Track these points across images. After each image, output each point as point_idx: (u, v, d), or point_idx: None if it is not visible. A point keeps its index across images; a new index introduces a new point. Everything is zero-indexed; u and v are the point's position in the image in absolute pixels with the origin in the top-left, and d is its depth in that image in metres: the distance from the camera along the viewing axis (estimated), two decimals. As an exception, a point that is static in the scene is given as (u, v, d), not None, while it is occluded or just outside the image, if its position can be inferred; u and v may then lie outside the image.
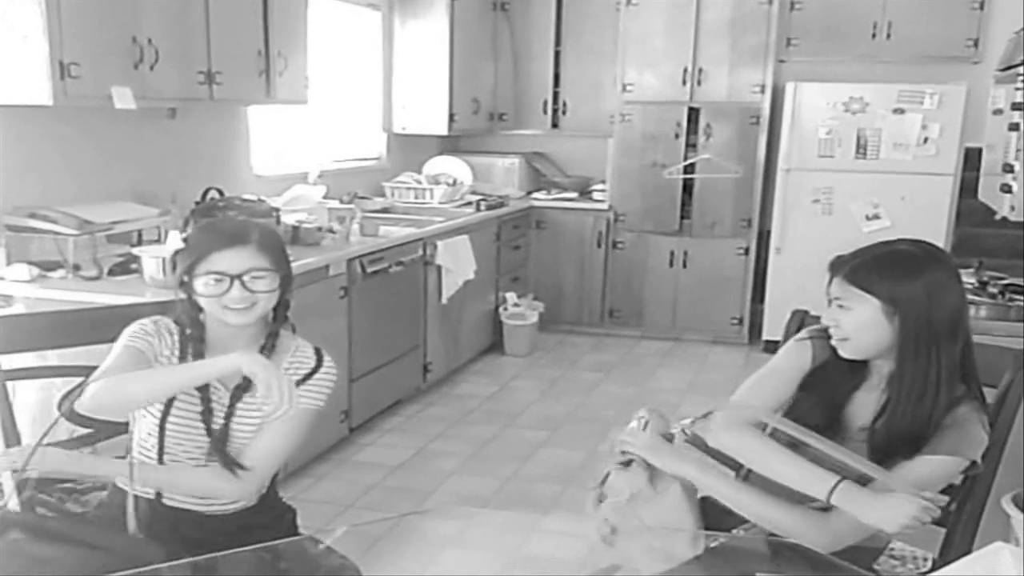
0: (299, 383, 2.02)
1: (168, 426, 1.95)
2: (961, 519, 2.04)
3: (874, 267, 1.83)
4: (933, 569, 1.93)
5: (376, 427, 4.65)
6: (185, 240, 2.00)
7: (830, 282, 1.89)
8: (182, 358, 1.97)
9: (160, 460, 1.96)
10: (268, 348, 2.02)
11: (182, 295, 1.98)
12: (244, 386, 1.98)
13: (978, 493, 2.03)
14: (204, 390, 1.96)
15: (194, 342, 1.98)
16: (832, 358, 1.92)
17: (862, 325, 1.83)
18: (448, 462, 4.27)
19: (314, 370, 2.07)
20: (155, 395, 1.89)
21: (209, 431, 1.96)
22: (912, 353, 1.81)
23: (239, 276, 1.91)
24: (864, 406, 1.92)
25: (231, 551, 1.79)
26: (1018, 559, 1.39)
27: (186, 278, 1.94)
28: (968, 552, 1.86)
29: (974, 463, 1.84)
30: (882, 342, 1.84)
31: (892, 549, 2.03)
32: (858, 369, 1.92)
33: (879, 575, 1.98)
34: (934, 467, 1.80)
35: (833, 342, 1.90)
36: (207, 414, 1.96)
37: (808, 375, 1.97)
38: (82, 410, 1.81)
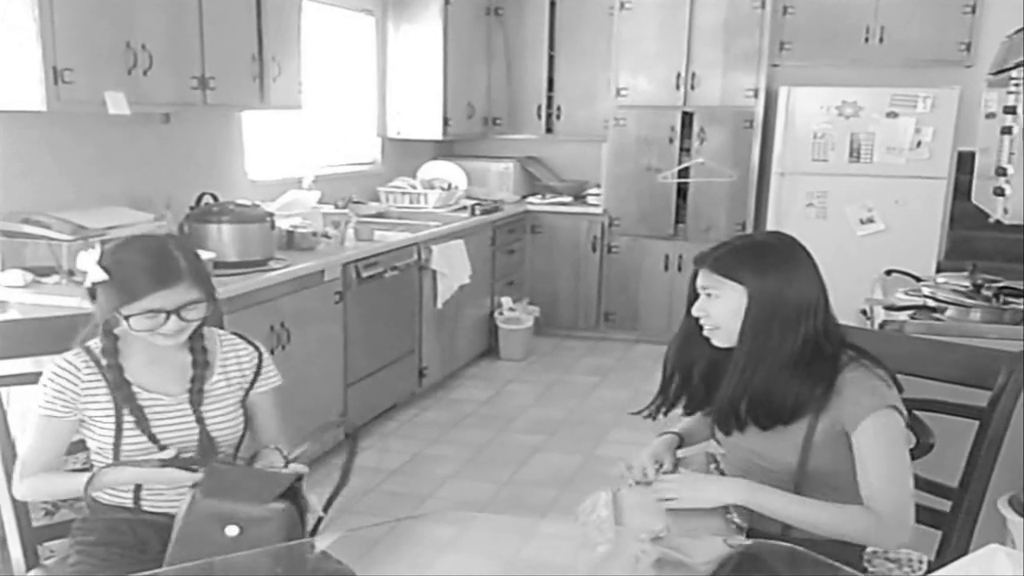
0: (256, 377, 2.12)
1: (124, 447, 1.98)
2: (957, 521, 2.04)
3: (738, 255, 1.90)
4: (929, 571, 1.93)
5: (372, 432, 4.65)
6: (107, 271, 1.89)
7: (695, 275, 1.95)
8: (110, 386, 1.96)
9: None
10: (199, 359, 2.05)
11: (103, 326, 1.96)
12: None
13: (974, 495, 2.03)
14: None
15: (110, 364, 1.97)
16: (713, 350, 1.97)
17: (730, 312, 1.89)
18: (444, 466, 4.27)
19: (260, 358, 2.15)
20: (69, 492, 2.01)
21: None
22: (750, 332, 1.87)
23: (175, 311, 1.91)
24: None
25: (226, 555, 1.79)
26: (1015, 561, 1.39)
27: (114, 313, 1.91)
28: (964, 554, 1.86)
29: (901, 414, 1.85)
30: None
31: (887, 551, 2.03)
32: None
33: (874, 577, 1.98)
34: (874, 427, 1.81)
35: (705, 332, 1.94)
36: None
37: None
38: (18, 496, 1.98)
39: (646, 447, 2.10)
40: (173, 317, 1.91)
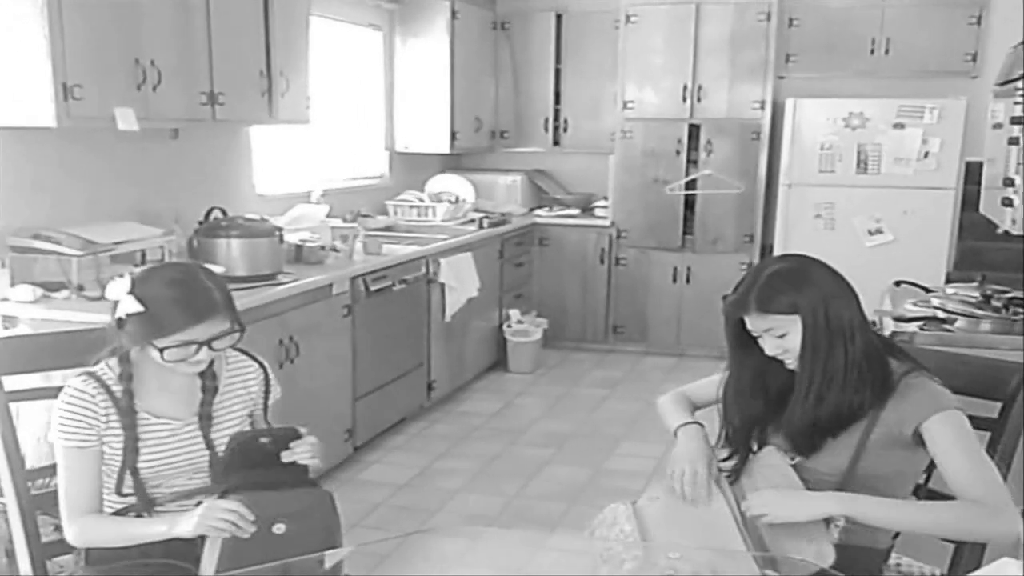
0: (266, 394, 2.14)
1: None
2: (969, 534, 2.03)
3: (773, 287, 1.89)
4: (942, 584, 1.92)
5: (380, 445, 4.64)
6: (142, 302, 1.89)
7: (738, 322, 1.93)
8: (119, 412, 1.95)
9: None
10: (208, 383, 2.04)
11: (128, 351, 1.96)
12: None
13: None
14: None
15: (125, 389, 1.96)
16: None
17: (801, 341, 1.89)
18: (453, 480, 4.26)
19: (265, 374, 2.16)
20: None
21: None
22: (810, 353, 1.87)
23: (207, 342, 1.92)
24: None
25: (236, 571, 1.79)
26: (1027, 574, 1.38)
27: (146, 344, 1.91)
28: (977, 567, 1.85)
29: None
30: None
31: (900, 564, 2.02)
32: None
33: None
34: (948, 424, 1.80)
35: (790, 366, 1.93)
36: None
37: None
38: (73, 542, 1.96)
39: (685, 450, 2.02)
40: (204, 348, 1.92)
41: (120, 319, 1.92)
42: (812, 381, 1.87)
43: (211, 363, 2.03)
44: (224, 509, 1.82)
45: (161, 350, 1.89)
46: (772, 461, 1.95)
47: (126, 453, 1.94)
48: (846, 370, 1.86)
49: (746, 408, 2.03)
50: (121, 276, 1.95)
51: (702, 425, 2.09)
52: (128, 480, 1.95)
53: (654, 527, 1.90)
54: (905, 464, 1.90)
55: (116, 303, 1.93)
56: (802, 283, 1.88)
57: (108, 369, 1.97)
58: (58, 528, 2.21)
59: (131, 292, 1.90)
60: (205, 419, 2.02)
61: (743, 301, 1.91)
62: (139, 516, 1.98)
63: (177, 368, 1.94)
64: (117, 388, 1.96)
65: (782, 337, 1.89)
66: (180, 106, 3.59)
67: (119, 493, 1.97)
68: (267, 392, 2.16)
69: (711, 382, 2.17)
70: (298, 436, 1.95)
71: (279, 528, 1.84)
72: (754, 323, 1.91)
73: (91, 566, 1.99)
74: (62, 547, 2.13)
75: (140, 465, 1.95)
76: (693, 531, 1.87)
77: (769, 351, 1.92)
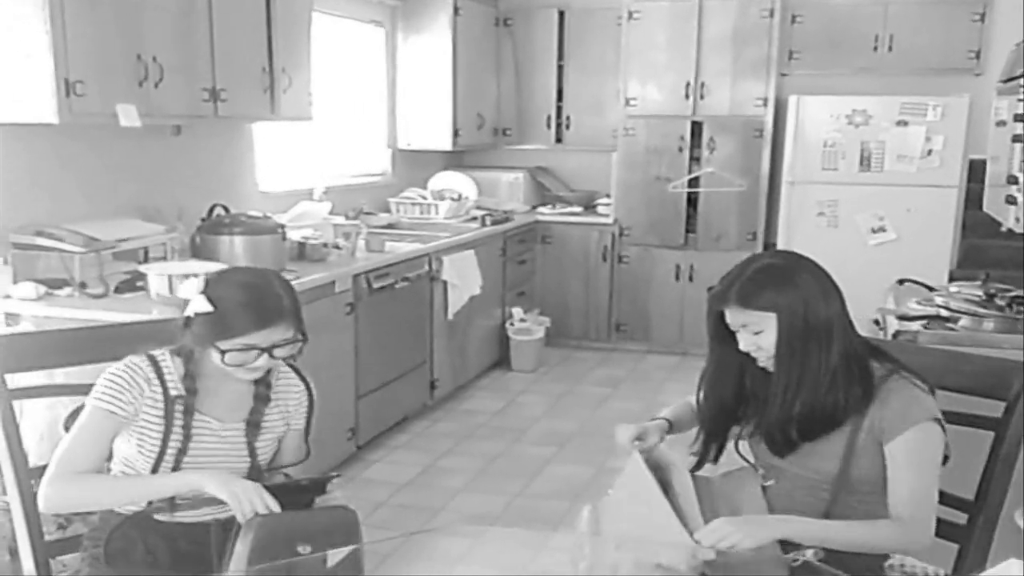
0: (309, 414, 2.14)
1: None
2: (974, 534, 2.03)
3: (756, 283, 1.89)
4: (946, 585, 1.92)
5: (383, 444, 4.64)
6: (212, 302, 1.89)
7: (719, 314, 1.93)
8: (166, 405, 1.93)
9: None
10: (261, 392, 2.04)
11: (192, 350, 1.96)
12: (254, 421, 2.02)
13: (990, 507, 2.02)
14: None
15: (188, 388, 1.95)
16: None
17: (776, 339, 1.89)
18: (456, 479, 4.26)
19: (309, 394, 2.15)
20: (114, 504, 1.94)
21: None
22: (786, 353, 1.87)
23: (269, 349, 1.91)
24: None
25: (231, 573, 1.78)
26: (1033, 575, 1.38)
27: (210, 345, 1.91)
28: (982, 568, 1.84)
29: (941, 424, 1.87)
30: None
31: (904, 565, 2.02)
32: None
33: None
34: (914, 441, 1.82)
35: (762, 364, 1.93)
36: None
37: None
38: (43, 504, 1.91)
39: (632, 425, 2.04)
40: (265, 355, 1.91)
41: (188, 318, 1.93)
42: (787, 381, 1.88)
43: (268, 372, 2.02)
44: (261, 495, 1.80)
45: (223, 352, 1.89)
46: (742, 485, 1.97)
47: (171, 451, 1.92)
48: (820, 372, 1.86)
49: (720, 400, 2.04)
50: (196, 277, 1.96)
51: (670, 423, 2.11)
52: (162, 470, 1.93)
53: (607, 523, 1.91)
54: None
55: (187, 301, 1.94)
56: (784, 282, 1.88)
57: (169, 362, 1.97)
58: (61, 527, 2.21)
59: (203, 292, 1.91)
60: (253, 426, 2.01)
61: (724, 294, 1.91)
62: (151, 505, 1.96)
63: (235, 373, 1.93)
64: (172, 382, 1.95)
65: (757, 334, 1.89)
66: (182, 102, 3.59)
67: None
68: (311, 413, 2.14)
69: None
70: (324, 485, 1.95)
71: (305, 549, 1.81)
72: (733, 317, 1.91)
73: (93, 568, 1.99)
74: (65, 546, 2.13)
75: (184, 465, 1.94)
76: (640, 522, 1.86)
77: (743, 347, 1.92)
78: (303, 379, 2.14)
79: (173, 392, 1.94)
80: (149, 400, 1.93)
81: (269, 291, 1.93)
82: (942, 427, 1.86)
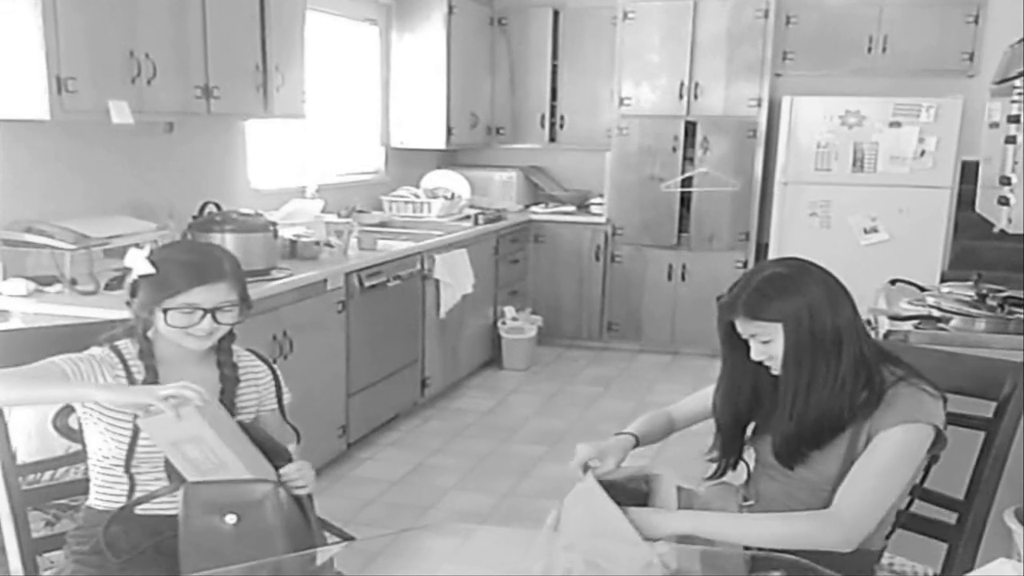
0: (278, 392, 2.15)
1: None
2: (963, 534, 2.03)
3: (762, 293, 1.88)
4: (935, 584, 1.92)
5: (374, 442, 4.63)
6: (154, 265, 1.94)
7: (729, 324, 1.94)
8: (129, 382, 1.94)
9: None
10: (228, 373, 2.05)
11: (141, 319, 1.97)
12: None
13: (980, 507, 2.02)
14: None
15: (147, 366, 1.96)
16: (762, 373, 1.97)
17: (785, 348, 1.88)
18: (446, 477, 4.25)
19: (274, 374, 2.17)
20: (28, 401, 1.91)
21: None
22: (792, 363, 1.87)
23: (212, 310, 1.93)
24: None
25: (223, 569, 1.78)
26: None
27: (154, 308, 1.92)
28: (971, 568, 1.85)
29: (939, 434, 1.85)
30: None
31: (892, 564, 2.02)
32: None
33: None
34: (898, 438, 1.81)
35: (775, 372, 1.93)
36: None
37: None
38: None
39: (588, 446, 2.03)
40: (208, 317, 1.93)
41: (134, 286, 1.95)
42: (794, 391, 1.87)
43: (229, 354, 2.05)
44: (150, 391, 1.78)
45: (166, 312, 1.90)
46: (717, 499, 2.00)
47: (144, 438, 1.91)
48: (828, 382, 1.85)
49: (735, 408, 2.04)
50: (141, 247, 2.00)
51: (636, 437, 2.10)
52: (137, 456, 1.93)
53: (565, 522, 1.91)
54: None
55: (131, 271, 1.96)
56: (791, 291, 1.87)
57: (131, 348, 1.99)
58: (49, 524, 2.20)
59: (147, 258, 1.94)
60: (227, 407, 2.01)
61: (732, 304, 1.90)
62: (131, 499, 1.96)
63: (183, 341, 1.94)
64: (136, 367, 1.96)
65: (768, 343, 1.89)
66: (175, 99, 3.58)
67: (127, 471, 1.94)
68: (279, 392, 2.16)
69: (698, 397, 2.20)
70: (289, 458, 1.96)
71: (231, 518, 1.83)
72: (742, 327, 1.91)
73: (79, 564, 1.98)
74: (52, 543, 2.12)
75: (158, 451, 1.93)
76: (588, 519, 1.86)
77: (755, 355, 1.92)
78: (264, 360, 2.17)
79: (138, 377, 1.95)
80: (109, 379, 1.93)
81: (210, 253, 2.00)
82: (939, 433, 1.85)
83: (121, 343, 2.00)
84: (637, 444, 2.11)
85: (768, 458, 2.00)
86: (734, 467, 2.09)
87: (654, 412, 2.20)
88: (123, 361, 1.96)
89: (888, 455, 1.81)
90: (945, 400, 1.89)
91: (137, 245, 2.01)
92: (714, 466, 2.09)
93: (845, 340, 1.86)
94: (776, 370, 1.91)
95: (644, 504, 1.89)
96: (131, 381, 1.94)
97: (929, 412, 1.84)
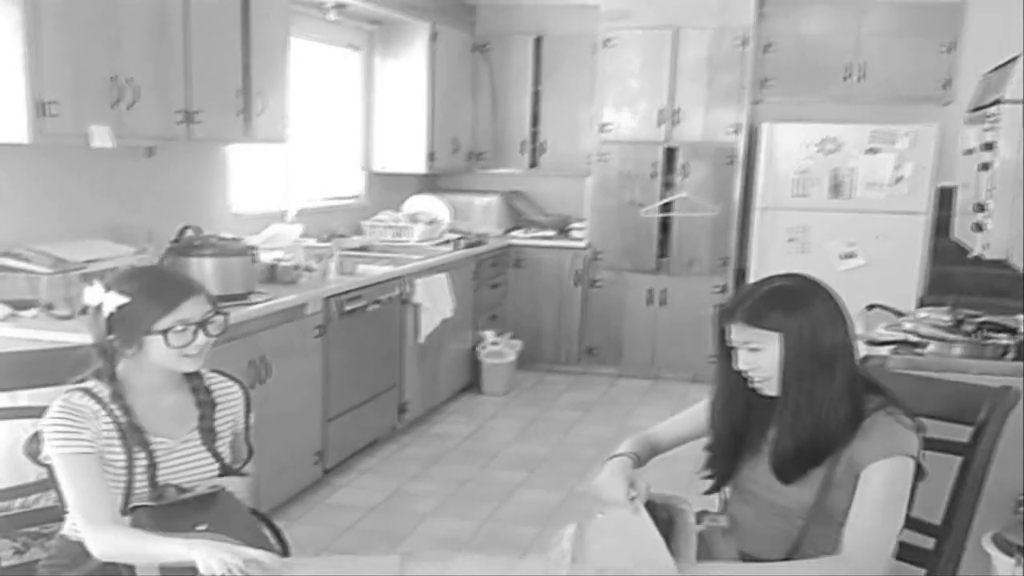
0: (247, 414, 2.13)
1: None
2: (941, 559, 2.03)
3: (766, 303, 1.89)
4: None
5: (351, 468, 4.60)
6: (126, 295, 1.88)
7: (725, 330, 1.93)
8: (120, 431, 1.90)
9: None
10: (203, 398, 2.04)
11: (116, 354, 1.93)
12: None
13: (958, 532, 2.02)
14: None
15: (120, 405, 1.92)
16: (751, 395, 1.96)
17: (778, 361, 1.88)
18: (424, 503, 4.22)
19: (245, 394, 2.14)
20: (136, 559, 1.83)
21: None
22: (793, 378, 1.87)
23: (202, 323, 1.93)
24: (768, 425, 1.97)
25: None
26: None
27: (145, 334, 1.89)
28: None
29: (919, 465, 1.86)
30: None
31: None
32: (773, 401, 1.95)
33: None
34: (884, 474, 1.81)
35: (755, 385, 1.93)
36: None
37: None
38: (99, 553, 1.81)
39: (609, 475, 1.98)
40: (201, 332, 1.92)
41: (109, 320, 1.90)
42: (795, 407, 1.87)
43: (200, 378, 2.03)
44: (233, 554, 1.70)
45: (165, 333, 1.88)
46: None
47: (139, 471, 1.89)
48: (825, 398, 1.85)
49: (730, 423, 2.02)
50: (90, 284, 1.94)
51: (633, 457, 2.07)
52: (135, 496, 1.90)
53: (590, 546, 1.89)
54: None
55: (99, 307, 1.91)
56: (795, 305, 1.88)
57: (101, 387, 1.93)
58: (19, 552, 2.16)
59: (111, 290, 1.90)
60: (207, 432, 2.01)
61: (732, 310, 1.91)
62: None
63: (179, 363, 1.92)
64: (113, 406, 1.91)
65: (756, 352, 1.88)
66: (156, 124, 3.56)
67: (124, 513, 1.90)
68: (248, 411, 2.14)
69: (682, 419, 2.18)
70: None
71: (202, 527, 1.82)
72: (736, 334, 1.90)
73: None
74: (23, 570, 2.09)
75: (158, 480, 1.91)
76: (624, 547, 1.84)
77: (740, 364, 1.92)
78: (233, 379, 2.15)
79: (122, 419, 1.91)
80: (104, 433, 1.89)
81: (168, 271, 2.04)
82: (919, 465, 1.85)
83: (91, 384, 1.94)
84: (638, 463, 2.09)
85: (744, 483, 2.00)
86: (727, 480, 2.06)
87: (636, 436, 2.18)
88: (103, 406, 1.91)
89: (883, 490, 1.81)
90: (921, 430, 1.90)
91: (90, 282, 1.97)
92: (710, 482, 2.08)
93: (840, 360, 1.87)
94: (756, 383, 1.91)
95: (664, 531, 1.87)
96: (115, 424, 1.90)
97: (904, 444, 1.84)
